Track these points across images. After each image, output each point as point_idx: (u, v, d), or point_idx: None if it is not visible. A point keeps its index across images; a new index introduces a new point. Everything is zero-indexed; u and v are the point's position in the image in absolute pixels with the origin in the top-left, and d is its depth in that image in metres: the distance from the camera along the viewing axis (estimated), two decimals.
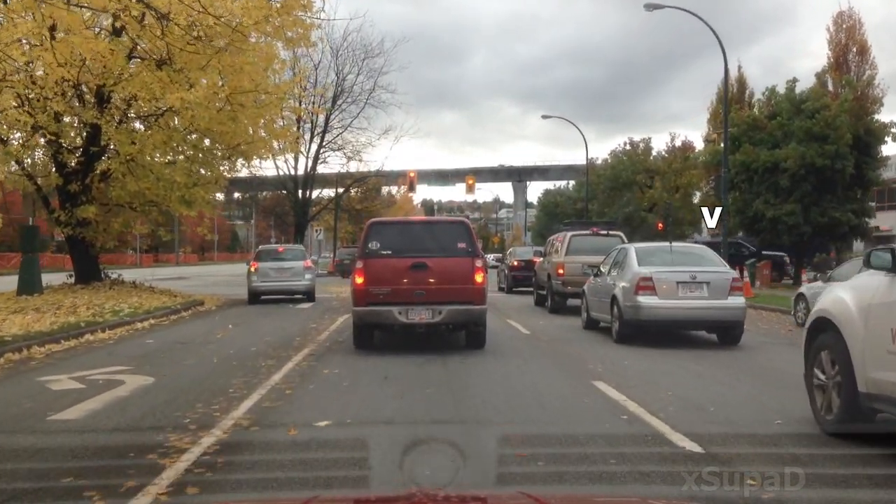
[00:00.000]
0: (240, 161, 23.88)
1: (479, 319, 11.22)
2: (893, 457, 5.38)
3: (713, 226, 24.04)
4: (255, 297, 21.69)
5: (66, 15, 15.01)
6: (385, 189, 56.78)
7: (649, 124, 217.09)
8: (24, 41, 16.21)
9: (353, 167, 44.18)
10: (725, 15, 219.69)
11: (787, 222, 29.18)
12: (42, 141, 20.15)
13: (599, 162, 53.78)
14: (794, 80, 31.47)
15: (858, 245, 38.09)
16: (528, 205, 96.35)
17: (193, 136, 21.40)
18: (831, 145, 28.19)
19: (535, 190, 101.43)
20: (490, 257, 48.65)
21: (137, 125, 21.68)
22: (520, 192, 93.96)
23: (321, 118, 41.87)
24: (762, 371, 9.72)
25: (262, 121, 22.46)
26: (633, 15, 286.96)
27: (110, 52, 17.28)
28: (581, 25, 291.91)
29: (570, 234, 19.04)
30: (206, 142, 22.18)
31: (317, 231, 58.25)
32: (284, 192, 47.24)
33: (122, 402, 7.39)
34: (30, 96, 18.41)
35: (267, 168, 41.00)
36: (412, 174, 43.72)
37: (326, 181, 48.24)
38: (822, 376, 6.14)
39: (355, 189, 49.17)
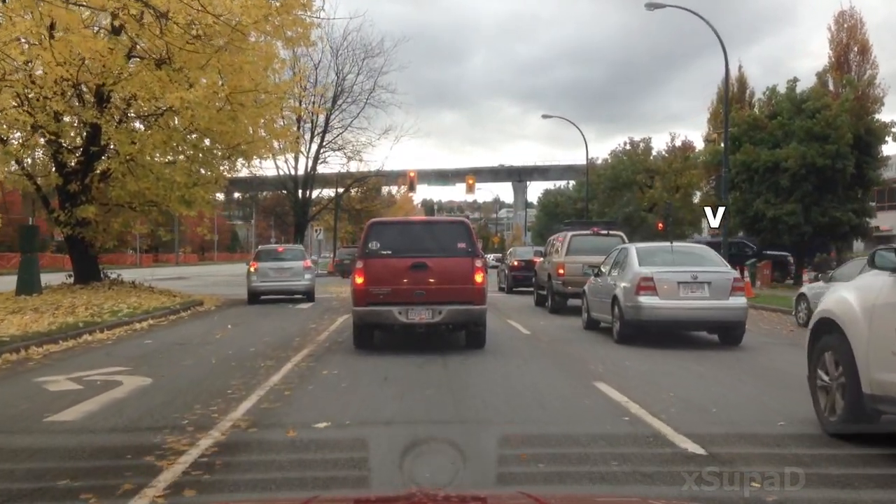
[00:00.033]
0: (240, 161, 23.85)
1: (479, 319, 11.20)
2: None
3: (716, 225, 23.96)
4: (255, 297, 21.65)
5: (65, 14, 14.98)
6: (385, 189, 56.82)
7: (649, 124, 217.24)
8: (23, 40, 16.16)
9: (353, 167, 44.23)
10: (726, 15, 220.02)
11: (788, 222, 29.13)
12: (42, 140, 20.11)
13: (599, 162, 53.76)
14: (795, 80, 31.43)
15: (859, 245, 38.05)
16: (528, 205, 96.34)
17: (193, 135, 21.37)
18: (832, 145, 28.14)
19: (535, 190, 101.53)
20: (490, 257, 48.61)
21: (137, 125, 21.65)
22: (520, 192, 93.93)
23: (321, 118, 41.86)
24: (764, 372, 9.67)
25: (262, 120, 22.43)
26: (634, 15, 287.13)
27: (109, 51, 17.24)
28: (581, 25, 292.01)
29: (570, 234, 18.99)
30: (206, 141, 22.14)
31: (317, 231, 58.26)
32: (284, 192, 47.22)
33: (120, 404, 7.34)
34: (29, 96, 18.37)
35: (267, 168, 40.99)
36: (412, 174, 43.67)
37: (326, 181, 48.21)
38: (825, 377, 6.08)
39: (355, 189, 49.15)
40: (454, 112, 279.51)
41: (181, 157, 22.12)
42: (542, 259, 21.14)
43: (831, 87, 33.45)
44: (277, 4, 17.90)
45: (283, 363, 9.84)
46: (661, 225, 39.66)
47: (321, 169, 44.40)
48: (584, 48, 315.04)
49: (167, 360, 10.31)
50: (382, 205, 56.85)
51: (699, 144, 45.99)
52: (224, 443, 5.77)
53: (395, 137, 73.21)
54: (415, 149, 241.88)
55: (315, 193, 47.98)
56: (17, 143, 19.94)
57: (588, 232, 19.15)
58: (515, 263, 28.04)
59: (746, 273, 23.88)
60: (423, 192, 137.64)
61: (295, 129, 36.45)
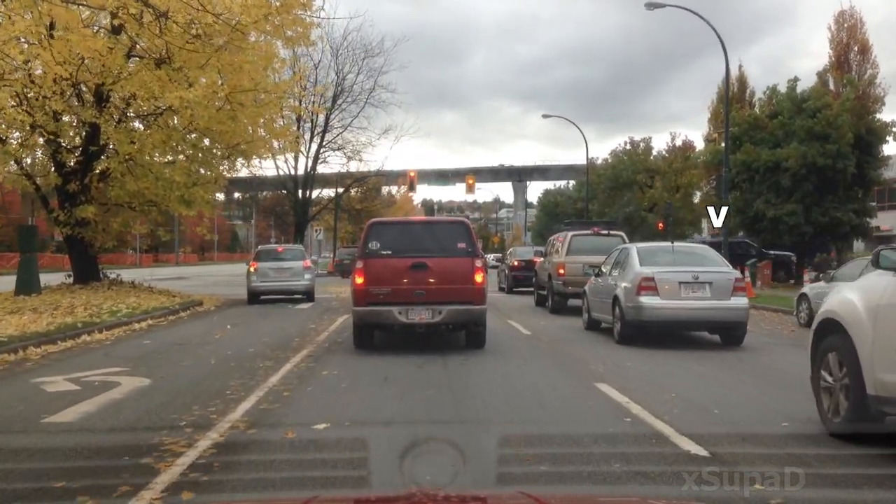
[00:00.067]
0: (239, 161, 23.80)
1: (479, 319, 11.18)
2: None
3: (719, 225, 23.92)
4: (255, 297, 21.61)
5: (65, 13, 14.94)
6: (385, 189, 56.79)
7: (649, 124, 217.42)
8: (22, 40, 16.12)
9: (353, 167, 44.18)
10: (726, 14, 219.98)
11: (789, 222, 29.10)
12: (41, 140, 20.05)
13: (600, 162, 53.73)
14: (796, 80, 31.41)
15: (859, 245, 38.01)
16: (528, 205, 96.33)
17: (193, 135, 21.32)
18: (833, 145, 28.11)
19: (535, 190, 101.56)
20: (490, 257, 48.58)
21: (136, 124, 21.60)
22: (520, 192, 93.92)
23: (321, 118, 41.81)
24: (766, 372, 9.62)
25: (262, 120, 22.38)
26: (634, 15, 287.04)
27: (109, 50, 17.20)
28: (581, 25, 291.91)
29: (570, 234, 18.94)
30: (206, 141, 22.09)
31: (317, 231, 58.21)
32: (284, 191, 47.16)
33: (118, 405, 7.29)
34: (28, 95, 18.33)
35: (267, 168, 40.94)
36: (412, 174, 43.64)
37: (326, 181, 48.18)
38: (829, 378, 6.04)
39: (355, 189, 49.11)
40: (454, 112, 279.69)
41: (181, 156, 22.07)
42: (542, 259, 21.10)
43: (832, 87, 33.44)
44: (277, 4, 17.83)
45: (283, 364, 9.79)
46: (661, 225, 39.63)
47: (321, 169, 44.42)
48: (584, 48, 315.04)
49: (166, 361, 10.27)
50: (382, 205, 56.81)
51: (699, 144, 46.01)
52: (222, 444, 5.72)
53: (395, 137, 73.04)
54: (415, 149, 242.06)
55: (315, 193, 47.98)
56: (16, 142, 19.87)
57: (588, 232, 19.10)
58: (516, 263, 27.99)
59: (747, 273, 23.85)
60: (423, 192, 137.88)
61: (295, 128, 36.44)
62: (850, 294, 5.93)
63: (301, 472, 5.11)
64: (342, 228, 55.38)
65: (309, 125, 42.06)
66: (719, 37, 24.29)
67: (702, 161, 38.83)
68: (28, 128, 18.65)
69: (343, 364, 9.92)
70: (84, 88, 20.06)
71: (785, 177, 28.84)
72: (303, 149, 41.08)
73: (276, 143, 25.24)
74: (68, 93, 18.83)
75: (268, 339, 12.56)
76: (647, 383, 8.47)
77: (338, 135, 43.14)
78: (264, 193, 60.09)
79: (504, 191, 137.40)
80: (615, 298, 12.51)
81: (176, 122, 20.71)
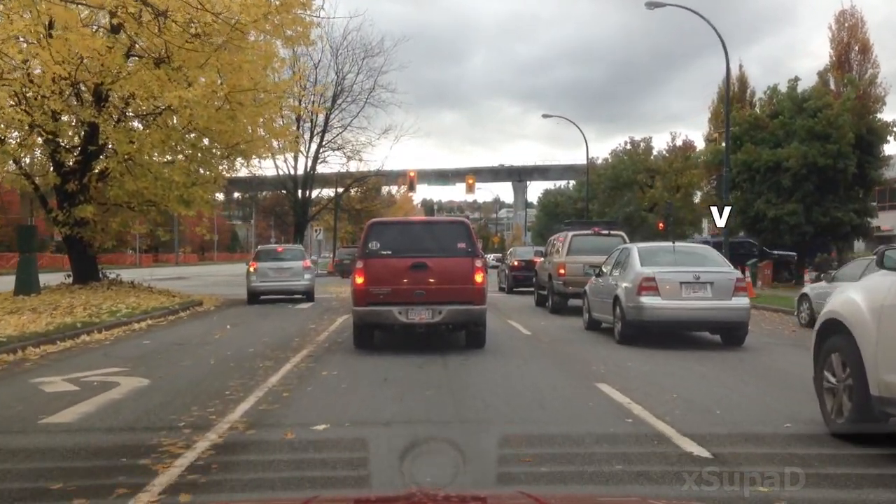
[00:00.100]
0: (239, 160, 23.76)
1: (479, 319, 11.16)
2: None
3: (722, 225, 23.90)
4: (254, 297, 21.58)
5: (64, 12, 14.91)
6: (385, 189, 56.74)
7: (649, 124, 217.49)
8: (21, 39, 16.07)
9: (353, 167, 44.14)
10: (726, 14, 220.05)
11: (789, 222, 29.06)
12: (39, 140, 20.00)
13: (600, 162, 53.68)
14: (796, 79, 31.37)
15: (859, 245, 37.97)
16: (528, 205, 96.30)
17: (192, 135, 21.28)
18: (833, 144, 28.07)
19: (536, 190, 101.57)
20: (490, 257, 48.54)
21: (136, 124, 21.54)
22: (520, 191, 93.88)
23: (321, 117, 41.78)
24: (768, 372, 9.58)
25: (262, 119, 22.34)
26: (634, 15, 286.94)
27: (108, 49, 17.17)
28: (581, 25, 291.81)
29: (571, 233, 18.90)
30: (205, 141, 22.05)
31: (316, 231, 58.20)
32: (284, 191, 47.12)
33: (116, 405, 7.25)
34: (27, 95, 18.28)
35: (266, 168, 40.91)
36: (412, 174, 43.59)
37: (326, 181, 48.15)
38: (832, 379, 5.99)
39: (355, 189, 49.07)
40: (454, 112, 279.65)
41: (180, 156, 22.02)
42: (542, 259, 21.05)
43: (833, 87, 33.39)
44: (277, 3, 17.80)
45: (282, 364, 9.75)
46: (661, 225, 39.57)
47: (321, 169, 44.38)
48: (584, 48, 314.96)
49: (165, 361, 10.22)
50: (382, 205, 56.77)
51: (700, 144, 45.96)
52: (221, 445, 5.68)
53: (394, 137, 72.76)
54: (415, 149, 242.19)
55: (315, 193, 47.96)
56: (14, 142, 19.82)
57: (589, 232, 19.06)
58: (516, 263, 27.95)
59: (747, 273, 23.81)
60: (423, 192, 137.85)
61: (294, 128, 36.41)
62: (853, 294, 5.88)
63: (300, 473, 5.07)
64: (342, 228, 55.35)
65: (309, 125, 42.08)
66: (719, 36, 24.25)
67: (702, 161, 38.79)
68: (27, 127, 18.61)
69: (343, 364, 9.88)
70: (83, 88, 20.02)
71: (786, 177, 28.81)
72: (302, 148, 41.11)
73: (275, 143, 25.22)
74: (67, 92, 18.78)
75: (267, 339, 12.52)
76: (648, 384, 8.43)
77: (337, 135, 43.17)
78: (264, 193, 60.07)
79: (504, 191, 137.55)
80: (616, 298, 12.47)
81: (175, 121, 20.67)
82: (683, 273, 11.96)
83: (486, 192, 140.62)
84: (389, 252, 11.13)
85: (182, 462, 5.17)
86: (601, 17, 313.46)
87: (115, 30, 18.57)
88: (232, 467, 5.23)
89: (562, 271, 17.94)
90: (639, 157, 50.43)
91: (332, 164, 45.22)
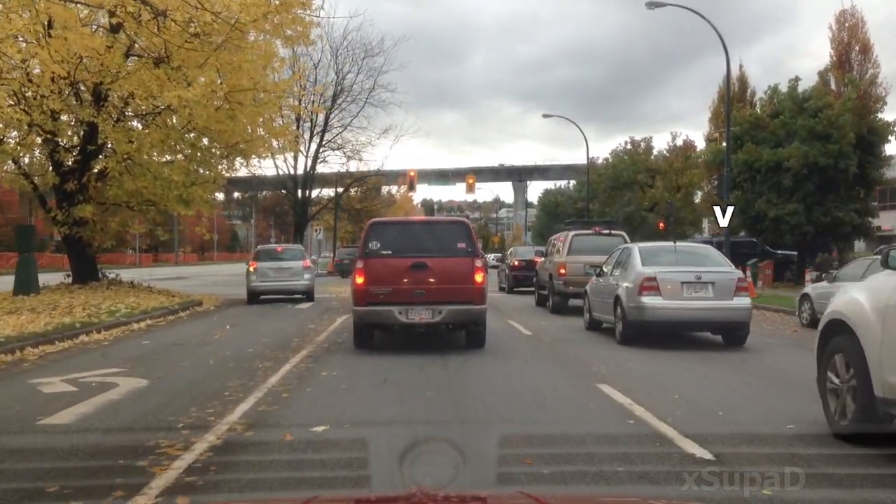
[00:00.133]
0: (238, 160, 23.71)
1: (479, 319, 11.14)
2: None
3: (725, 224, 23.88)
4: (254, 297, 21.53)
5: (63, 11, 14.86)
6: (385, 189, 56.66)
7: (649, 124, 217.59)
8: (20, 38, 16.01)
9: (353, 167, 44.13)
10: (726, 14, 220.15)
11: (790, 222, 28.99)
12: (39, 140, 19.95)
13: (600, 161, 53.61)
14: (797, 79, 31.28)
15: (860, 245, 37.91)
16: (528, 204, 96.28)
17: (191, 134, 21.23)
18: (834, 144, 28.00)
19: (536, 190, 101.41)
20: (490, 257, 48.48)
21: (135, 123, 21.50)
22: (520, 191, 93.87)
23: (321, 117, 41.75)
24: (770, 373, 9.53)
25: (261, 119, 22.30)
26: (634, 14, 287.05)
27: (107, 49, 17.12)
28: (581, 25, 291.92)
29: (571, 233, 18.84)
30: (205, 140, 22.01)
31: (316, 231, 58.12)
32: (284, 191, 47.08)
33: (115, 406, 7.20)
34: (26, 94, 18.23)
35: (266, 167, 40.96)
36: (412, 173, 43.54)
37: (326, 181, 48.12)
38: (836, 380, 5.94)
39: (355, 189, 49.02)
40: (454, 112, 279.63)
41: (179, 156, 21.97)
42: (543, 259, 21.00)
43: (833, 87, 33.31)
44: (277, 3, 17.74)
45: (282, 364, 9.70)
46: (662, 225, 39.50)
47: (321, 168, 44.35)
48: (584, 48, 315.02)
49: (164, 362, 10.17)
50: (382, 204, 56.72)
51: (700, 144, 45.88)
52: (219, 447, 5.63)
53: (394, 137, 72.51)
54: (415, 148, 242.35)
55: (315, 193, 47.92)
56: (13, 142, 19.78)
57: (590, 231, 19.00)
58: (516, 263, 27.91)
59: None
60: (423, 192, 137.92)
61: (294, 128, 36.36)
62: (857, 294, 5.83)
63: (299, 474, 5.03)
64: (342, 228, 55.30)
65: (308, 125, 42.05)
66: (720, 35, 24.17)
67: (703, 161, 38.72)
68: (26, 127, 18.55)
69: (342, 365, 9.83)
70: (82, 87, 19.97)
71: (786, 176, 28.74)
72: (302, 148, 41.08)
73: (275, 143, 25.17)
74: (66, 92, 18.74)
75: (267, 339, 12.48)
76: (649, 384, 8.38)
77: (337, 134, 43.14)
78: (264, 193, 60.07)
79: (504, 191, 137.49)
80: (617, 298, 12.42)
81: (174, 121, 20.62)
82: (685, 273, 11.91)
83: (486, 191, 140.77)
84: (389, 252, 11.10)
85: (180, 464, 5.12)
86: (601, 17, 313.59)
87: (114, 29, 18.52)
88: (230, 469, 5.19)
89: (562, 271, 17.88)
90: (639, 156, 50.34)
91: (332, 163, 45.29)
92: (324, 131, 42.70)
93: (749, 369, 9.75)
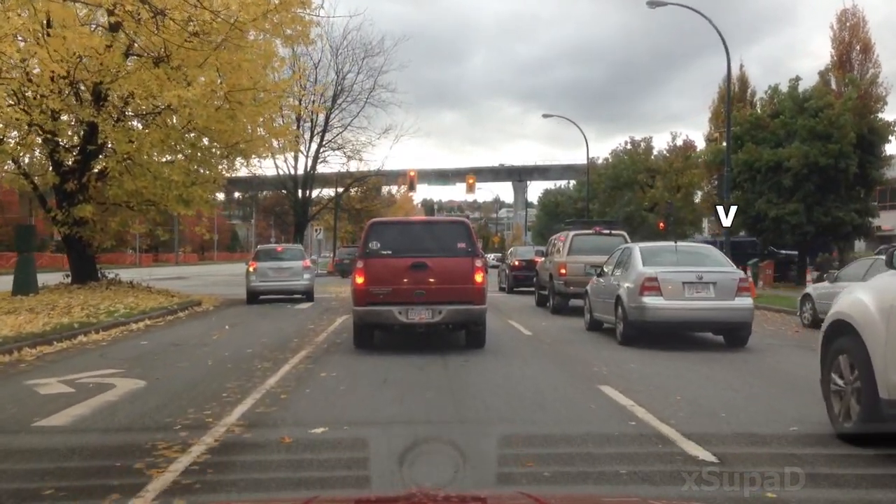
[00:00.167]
0: (238, 160, 23.64)
1: (478, 319, 11.11)
2: None
3: (728, 224, 23.84)
4: (254, 297, 21.48)
5: (62, 10, 14.81)
6: (385, 189, 56.61)
7: (649, 124, 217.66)
8: (18, 37, 15.96)
9: (353, 166, 44.08)
10: (726, 14, 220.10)
11: (791, 222, 28.95)
12: (38, 139, 19.89)
13: (600, 161, 53.56)
14: (798, 79, 31.24)
15: (860, 245, 37.85)
16: (528, 204, 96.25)
17: (191, 134, 21.17)
18: (835, 144, 27.96)
19: (536, 189, 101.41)
20: (490, 257, 48.43)
21: (135, 123, 21.43)
22: (520, 191, 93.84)
23: (321, 117, 41.69)
24: (772, 373, 9.48)
25: (261, 119, 22.25)
26: (634, 14, 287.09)
27: (106, 48, 17.06)
28: (581, 25, 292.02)
29: (572, 233, 18.77)
30: (205, 140, 21.95)
31: (317, 231, 58.08)
32: (284, 191, 47.02)
33: (112, 407, 7.14)
34: (26, 94, 18.17)
35: (266, 167, 40.85)
36: (412, 173, 43.48)
37: (326, 181, 48.07)
38: (839, 381, 5.88)
39: (355, 189, 48.97)
40: (454, 112, 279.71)
41: (179, 156, 21.92)
42: (543, 259, 20.94)
43: (834, 86, 33.25)
44: (276, 2, 17.68)
45: (281, 365, 9.64)
46: (662, 225, 39.44)
47: (321, 168, 44.30)
48: (584, 48, 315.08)
49: (162, 362, 10.12)
50: (382, 204, 56.67)
51: (700, 144, 45.82)
52: (217, 449, 5.58)
53: (395, 137, 72.51)
54: (415, 148, 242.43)
55: (315, 193, 47.86)
56: (13, 141, 19.72)
57: (590, 231, 18.94)
58: (516, 263, 27.85)
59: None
60: (423, 192, 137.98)
61: (294, 127, 36.31)
62: (861, 295, 5.77)
63: (298, 476, 4.98)
64: (342, 228, 55.25)
65: (309, 124, 41.99)
66: (720, 34, 24.11)
67: (703, 160, 38.66)
68: (25, 127, 18.50)
69: (342, 365, 9.78)
70: (82, 87, 19.91)
71: (787, 176, 28.69)
72: (302, 148, 41.02)
73: (275, 143, 25.11)
74: (66, 91, 18.68)
75: (266, 339, 12.42)
76: (651, 385, 8.33)
77: (338, 134, 43.08)
78: (264, 193, 60.00)
79: (504, 191, 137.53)
80: (618, 299, 12.36)
81: (174, 120, 20.57)
82: (686, 273, 11.85)
83: (486, 191, 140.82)
84: (389, 252, 11.07)
85: (177, 466, 5.07)
86: (601, 17, 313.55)
87: (113, 28, 18.46)
88: (228, 471, 5.14)
89: (563, 271, 17.82)
90: (639, 156, 50.29)
91: (333, 163, 45.22)
92: (324, 131, 42.67)
93: (751, 370, 9.69)
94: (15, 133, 19.67)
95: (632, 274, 12.25)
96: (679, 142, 51.13)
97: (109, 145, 20.13)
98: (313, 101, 38.86)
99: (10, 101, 17.82)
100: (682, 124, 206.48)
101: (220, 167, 23.01)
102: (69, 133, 20.70)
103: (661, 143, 53.64)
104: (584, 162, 46.10)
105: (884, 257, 13.95)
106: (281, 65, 22.82)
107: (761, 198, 29.66)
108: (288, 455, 5.49)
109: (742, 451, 5.53)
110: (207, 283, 34.28)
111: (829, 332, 6.10)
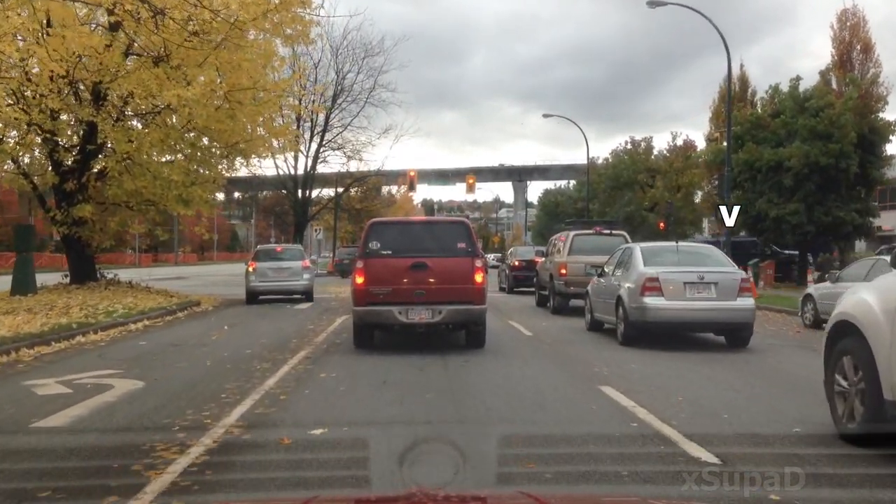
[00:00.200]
0: (238, 160, 23.57)
1: (478, 319, 11.09)
2: None
3: (731, 224, 23.79)
4: (253, 297, 21.44)
5: (61, 9, 14.77)
6: (385, 189, 56.58)
7: (649, 124, 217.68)
8: (18, 36, 15.91)
9: (353, 166, 44.05)
10: (726, 14, 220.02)
11: (791, 221, 28.92)
12: (38, 139, 19.85)
13: (600, 161, 53.53)
14: (798, 79, 31.21)
15: (861, 245, 37.82)
16: (528, 204, 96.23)
17: (191, 134, 21.12)
18: (835, 144, 27.92)
19: (536, 189, 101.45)
20: (490, 257, 48.38)
21: (134, 123, 21.37)
22: (520, 191, 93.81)
23: (321, 117, 41.65)
24: (774, 374, 9.44)
25: (261, 119, 22.19)
26: (634, 14, 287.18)
27: (106, 47, 17.01)
28: (581, 25, 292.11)
29: (572, 233, 18.72)
30: (204, 140, 21.90)
31: (316, 231, 58.06)
32: (284, 191, 46.98)
33: (110, 408, 7.10)
34: (25, 93, 18.12)
35: (266, 167, 40.85)
36: (412, 173, 43.44)
37: (326, 181, 48.04)
38: (843, 383, 5.83)
39: (355, 189, 48.93)
40: (454, 112, 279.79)
41: (179, 155, 21.86)
42: (543, 259, 20.90)
43: (834, 86, 33.21)
44: (276, 1, 17.63)
45: (280, 365, 9.60)
46: (662, 224, 39.41)
47: (321, 168, 44.27)
48: (584, 48, 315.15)
49: (161, 363, 10.07)
50: (382, 204, 56.63)
51: (701, 144, 45.79)
52: (216, 450, 5.54)
53: (395, 137, 72.48)
54: (415, 148, 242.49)
55: (315, 193, 47.82)
56: (12, 141, 19.67)
57: (590, 231, 18.89)
58: (516, 263, 27.80)
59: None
60: (423, 192, 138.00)
61: (294, 127, 36.27)
62: (865, 295, 5.72)
63: (297, 476, 4.95)
64: (342, 228, 55.21)
65: (309, 124, 41.95)
66: (720, 33, 24.07)
67: (703, 160, 38.63)
68: (25, 126, 18.45)
69: (342, 366, 9.73)
70: (81, 86, 19.86)
71: (787, 176, 28.66)
72: (302, 148, 40.98)
73: (275, 143, 25.05)
74: (65, 91, 18.64)
75: (265, 340, 12.38)
76: (652, 386, 8.29)
77: (338, 134, 43.04)
78: (264, 193, 59.96)
79: (504, 191, 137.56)
80: (618, 299, 12.31)
81: (174, 120, 20.51)
82: (687, 273, 11.80)
83: (486, 191, 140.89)
84: (389, 252, 11.05)
85: (175, 467, 5.03)
86: (601, 17, 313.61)
87: (113, 28, 18.41)
88: (226, 472, 5.09)
89: (563, 271, 17.78)
90: (639, 156, 50.24)
91: (333, 163, 45.20)
92: (324, 131, 42.63)
93: (753, 370, 9.65)
94: (14, 133, 19.62)
95: (633, 274, 12.20)
96: (679, 142, 51.13)
97: (109, 145, 20.08)
98: (313, 101, 38.83)
99: (10, 101, 17.77)
100: (683, 124, 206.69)
101: (219, 167, 22.95)
102: (68, 133, 20.65)
103: (661, 143, 53.60)
104: (585, 162, 46.09)
105: (885, 257, 13.92)
106: (281, 64, 22.78)
107: (762, 197, 29.63)
108: (287, 455, 5.46)
109: (744, 451, 5.49)
110: (207, 283, 34.23)
111: (832, 332, 6.06)
